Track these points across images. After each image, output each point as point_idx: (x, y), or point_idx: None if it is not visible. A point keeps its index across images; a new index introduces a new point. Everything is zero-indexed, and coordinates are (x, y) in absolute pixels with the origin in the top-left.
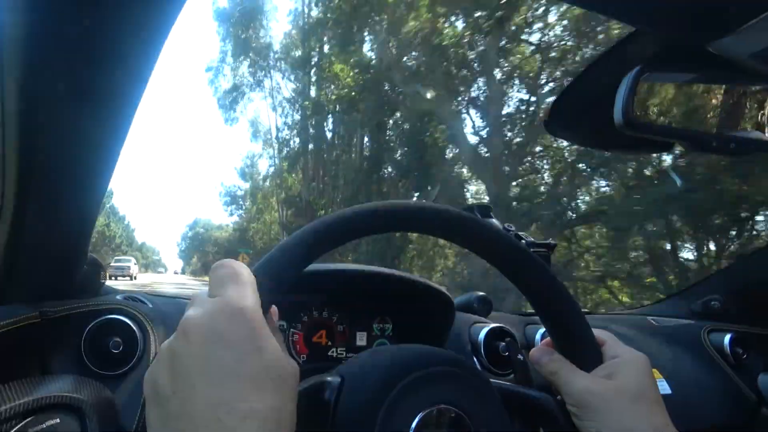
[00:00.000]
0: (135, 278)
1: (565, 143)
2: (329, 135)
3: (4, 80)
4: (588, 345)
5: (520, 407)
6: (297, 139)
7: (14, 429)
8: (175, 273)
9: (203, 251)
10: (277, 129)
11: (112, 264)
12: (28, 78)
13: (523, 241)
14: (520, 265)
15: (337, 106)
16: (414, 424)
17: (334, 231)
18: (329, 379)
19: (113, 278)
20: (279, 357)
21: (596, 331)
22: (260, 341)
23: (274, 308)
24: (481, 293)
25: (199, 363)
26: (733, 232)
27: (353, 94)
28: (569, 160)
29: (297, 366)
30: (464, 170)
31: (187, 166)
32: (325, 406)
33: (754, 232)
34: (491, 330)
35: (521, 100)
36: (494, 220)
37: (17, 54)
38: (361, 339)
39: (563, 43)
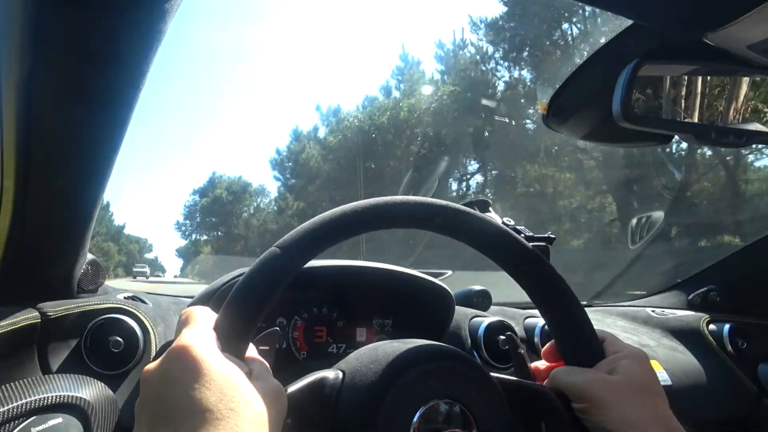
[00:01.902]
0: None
1: None
2: None
3: (2, 79)
4: (590, 341)
5: (520, 400)
6: None
7: (17, 429)
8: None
9: (228, 234)
10: None
11: None
12: (26, 75)
13: (522, 234)
14: (519, 260)
15: None
16: (416, 419)
17: (329, 229)
18: (330, 374)
19: None
20: (232, 387)
21: (596, 329)
22: (210, 374)
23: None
24: (481, 287)
25: (156, 406)
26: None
27: None
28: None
29: (262, 392)
30: None
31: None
32: (326, 401)
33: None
34: (491, 324)
35: None
36: (493, 215)
37: (16, 52)
38: (361, 335)
39: None
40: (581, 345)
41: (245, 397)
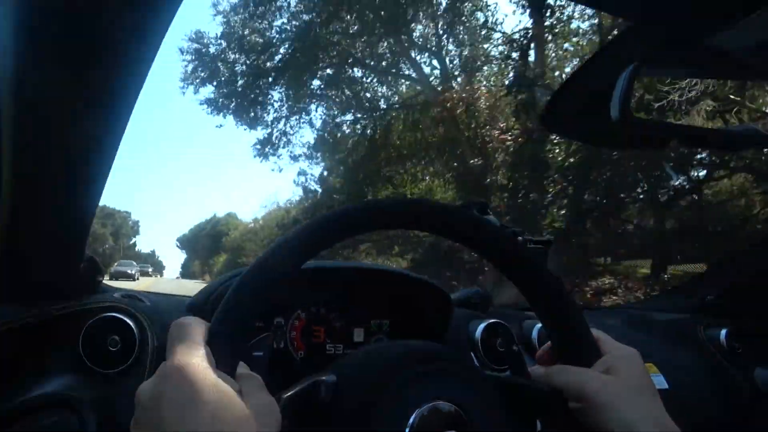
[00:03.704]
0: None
1: None
2: None
3: (1, 78)
4: (586, 342)
5: (516, 398)
6: None
7: (13, 427)
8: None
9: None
10: None
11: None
12: (24, 75)
13: (520, 237)
14: (517, 262)
15: None
16: (411, 421)
17: (327, 229)
18: (324, 377)
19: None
20: (224, 409)
21: (590, 329)
22: (201, 396)
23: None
24: (479, 288)
25: (149, 426)
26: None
27: None
28: None
29: (254, 411)
30: None
31: None
32: (321, 405)
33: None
34: (489, 325)
35: None
36: (491, 217)
37: (15, 52)
38: (358, 335)
39: None
40: (578, 344)
41: (237, 418)
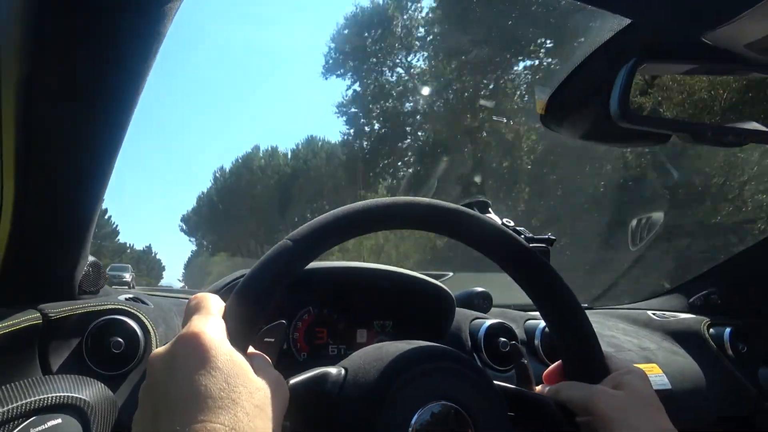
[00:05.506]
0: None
1: None
2: None
3: (2, 78)
4: (596, 357)
5: (522, 410)
6: None
7: (16, 429)
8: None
9: None
10: None
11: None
12: (26, 77)
13: (522, 236)
14: (520, 262)
15: None
16: (415, 419)
17: (338, 226)
18: (333, 371)
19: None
20: (236, 377)
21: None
22: (215, 362)
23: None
24: (482, 289)
25: (161, 390)
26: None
27: None
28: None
29: (264, 384)
30: None
31: None
32: (327, 397)
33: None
34: (491, 326)
35: None
36: (493, 216)
37: (16, 53)
38: (361, 336)
39: None
40: (588, 361)
41: (247, 388)
